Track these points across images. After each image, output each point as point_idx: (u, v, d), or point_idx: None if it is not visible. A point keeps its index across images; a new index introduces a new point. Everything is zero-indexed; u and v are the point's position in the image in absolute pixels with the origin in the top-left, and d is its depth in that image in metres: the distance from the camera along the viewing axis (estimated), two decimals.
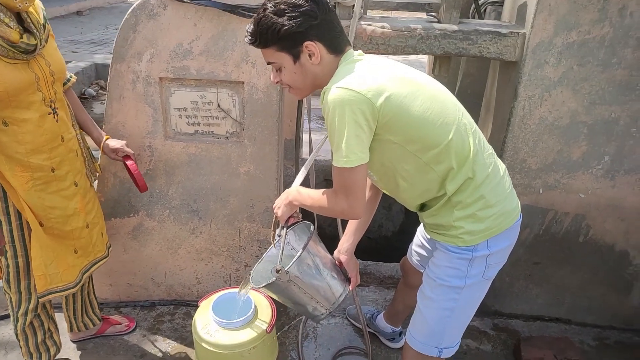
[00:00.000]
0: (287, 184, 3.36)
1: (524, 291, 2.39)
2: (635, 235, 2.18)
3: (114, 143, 1.94)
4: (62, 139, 1.69)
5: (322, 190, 1.42)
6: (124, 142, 1.97)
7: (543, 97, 1.98)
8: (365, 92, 1.21)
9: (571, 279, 2.33)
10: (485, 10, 2.80)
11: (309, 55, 1.30)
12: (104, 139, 1.94)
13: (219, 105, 2.09)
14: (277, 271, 1.46)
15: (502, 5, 2.42)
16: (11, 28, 1.44)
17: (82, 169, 1.83)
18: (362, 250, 2.97)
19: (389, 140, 1.28)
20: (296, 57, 1.30)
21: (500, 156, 2.12)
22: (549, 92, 1.97)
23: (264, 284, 1.51)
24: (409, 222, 3.77)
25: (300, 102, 2.32)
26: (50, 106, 1.63)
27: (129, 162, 1.94)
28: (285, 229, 1.57)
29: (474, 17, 2.88)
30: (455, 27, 1.97)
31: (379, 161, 1.34)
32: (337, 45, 1.33)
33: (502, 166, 1.46)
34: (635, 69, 1.89)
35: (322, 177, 3.84)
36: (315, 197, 1.43)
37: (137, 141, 2.12)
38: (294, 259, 1.49)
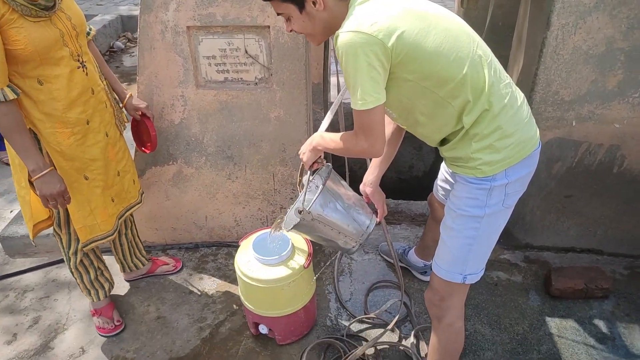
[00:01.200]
0: (317, 128, 3.40)
1: (556, 224, 2.41)
2: None
3: (137, 102, 2.03)
4: (92, 91, 1.75)
5: (343, 132, 1.47)
6: (146, 103, 2.06)
7: (577, 24, 1.91)
8: (376, 33, 1.21)
9: (604, 211, 2.33)
10: None
11: (313, 3, 1.31)
12: (127, 95, 2.01)
13: (246, 52, 2.11)
14: (300, 212, 1.55)
15: None
16: None
17: (111, 120, 1.90)
18: (394, 189, 3.02)
19: (404, 78, 1.30)
20: (301, 6, 1.33)
21: (531, 89, 2.08)
22: (584, 19, 1.90)
23: (292, 226, 1.62)
24: (439, 161, 3.78)
25: (326, 45, 2.32)
26: (78, 60, 1.68)
27: (149, 123, 2.05)
28: (309, 173, 1.64)
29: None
30: None
31: (397, 99, 1.37)
32: None
33: (520, 95, 1.45)
34: None
35: (351, 120, 3.85)
36: (337, 140, 1.48)
37: (170, 91, 2.18)
38: (314, 199, 1.58)
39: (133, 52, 5.56)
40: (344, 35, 1.23)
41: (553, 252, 2.49)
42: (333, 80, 3.84)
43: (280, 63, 2.11)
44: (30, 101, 1.59)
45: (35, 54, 1.52)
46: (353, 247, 1.72)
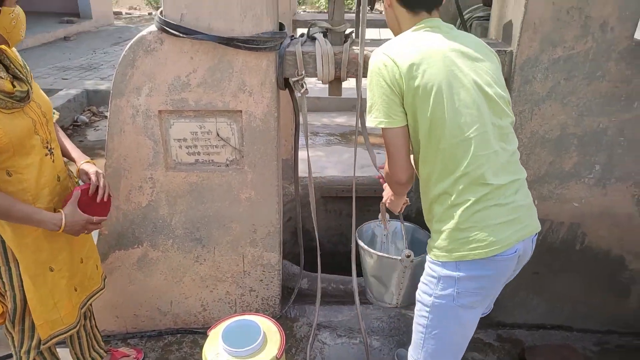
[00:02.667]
0: (286, 206, 3.39)
1: (525, 301, 2.43)
2: (629, 240, 2.24)
3: (86, 167, 1.81)
4: (59, 178, 1.71)
5: None
6: (96, 169, 1.81)
7: (533, 111, 2.04)
8: (401, 63, 1.31)
9: (569, 287, 2.38)
10: (471, 25, 2.88)
11: None
12: (82, 161, 1.83)
13: (218, 134, 2.13)
14: (407, 256, 1.80)
15: (488, 20, 2.49)
16: (2, 78, 1.46)
17: None
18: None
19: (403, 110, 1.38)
20: None
21: None
22: (539, 107, 2.03)
23: (386, 255, 1.91)
24: None
25: (297, 122, 2.36)
26: (47, 147, 1.65)
27: (83, 186, 1.76)
28: (401, 216, 2.06)
29: None
30: None
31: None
32: (406, 1, 1.44)
33: (511, 196, 1.37)
34: (619, 81, 1.95)
35: (319, 194, 3.88)
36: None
37: (139, 173, 2.15)
38: (420, 256, 1.78)
39: (97, 126, 5.52)
40: (373, 53, 1.37)
41: (525, 329, 2.49)
42: (302, 154, 3.89)
43: (252, 145, 2.13)
44: None
45: (10, 145, 1.48)
46: (389, 304, 2.04)
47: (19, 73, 1.53)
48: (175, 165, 2.17)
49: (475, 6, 2.91)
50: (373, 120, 1.36)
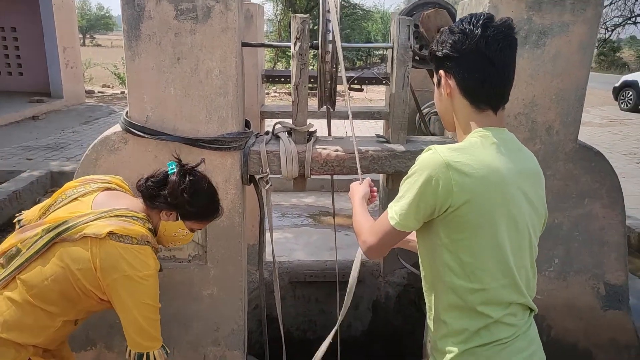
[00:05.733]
0: (252, 293, 3.30)
1: None
2: (594, 333, 2.26)
3: None
4: None
5: (369, 217, 1.44)
6: None
7: None
8: (459, 186, 1.15)
9: None
10: (430, 119, 3.03)
11: (439, 82, 1.29)
12: None
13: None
14: None
15: None
16: None
17: None
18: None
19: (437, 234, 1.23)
20: (438, 82, 1.30)
21: None
22: None
23: None
24: (377, 320, 3.74)
25: (262, 216, 2.36)
26: None
27: None
28: None
29: (419, 126, 3.11)
30: (402, 148, 2.12)
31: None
32: (474, 94, 1.23)
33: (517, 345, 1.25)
34: (568, 179, 2.06)
35: (287, 279, 3.81)
36: (360, 217, 1.45)
37: None
38: None
39: None
40: (433, 151, 1.19)
41: None
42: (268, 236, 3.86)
43: (216, 241, 2.10)
44: None
45: None
46: None
47: None
48: None
49: (433, 101, 3.09)
50: (392, 216, 1.24)
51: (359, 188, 1.63)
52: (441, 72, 1.26)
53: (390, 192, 3.87)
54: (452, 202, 1.16)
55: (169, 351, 1.67)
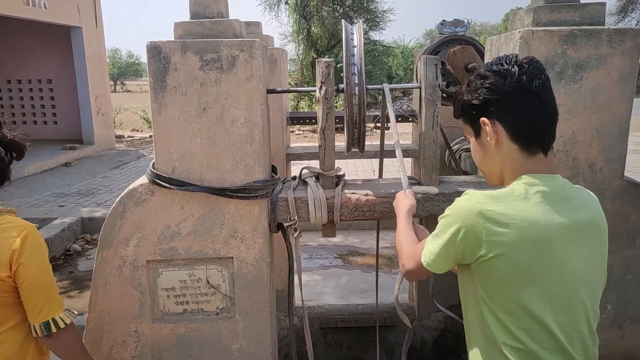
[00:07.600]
0: (283, 341, 3.18)
1: None
2: None
3: None
4: None
5: (413, 239, 1.42)
6: None
7: None
8: (491, 241, 1.07)
9: None
10: (460, 156, 2.94)
11: (487, 134, 1.18)
12: None
13: (208, 282, 2.04)
14: None
15: None
16: None
17: None
18: None
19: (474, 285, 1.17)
20: (477, 133, 1.22)
21: None
22: None
23: None
24: None
25: (291, 264, 2.28)
26: None
27: None
28: None
29: (449, 164, 3.01)
30: (436, 190, 2.03)
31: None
32: (523, 135, 1.14)
33: None
34: (617, 218, 1.93)
35: (318, 325, 3.68)
36: (403, 236, 1.46)
37: (122, 327, 2.01)
38: None
39: (89, 255, 5.41)
40: (469, 197, 1.13)
41: None
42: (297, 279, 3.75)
43: (244, 292, 2.03)
44: None
45: None
46: None
47: None
48: (162, 316, 2.05)
49: (463, 137, 3.00)
50: (425, 254, 1.21)
51: (405, 201, 1.62)
52: (483, 119, 1.17)
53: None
54: (483, 251, 1.09)
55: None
